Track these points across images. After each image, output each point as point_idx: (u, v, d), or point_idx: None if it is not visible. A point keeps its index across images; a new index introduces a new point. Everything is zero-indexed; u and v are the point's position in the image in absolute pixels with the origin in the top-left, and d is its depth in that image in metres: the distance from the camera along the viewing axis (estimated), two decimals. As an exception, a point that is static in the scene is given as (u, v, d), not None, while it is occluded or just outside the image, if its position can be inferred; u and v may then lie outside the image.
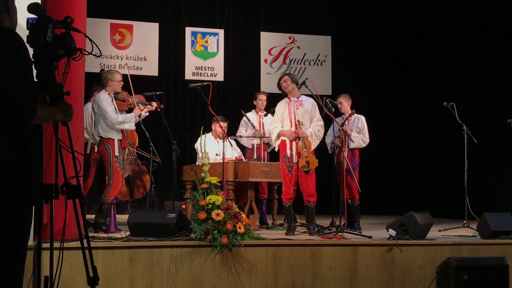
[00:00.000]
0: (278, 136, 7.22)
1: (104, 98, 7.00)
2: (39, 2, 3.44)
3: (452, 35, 11.25)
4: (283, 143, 7.18)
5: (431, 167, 11.44)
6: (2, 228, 2.94)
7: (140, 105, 7.36)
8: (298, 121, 7.10)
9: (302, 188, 7.08)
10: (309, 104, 7.19)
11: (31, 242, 4.03)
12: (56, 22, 3.29)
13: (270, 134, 8.65)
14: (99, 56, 3.63)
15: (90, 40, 3.46)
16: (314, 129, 7.10)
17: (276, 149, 7.37)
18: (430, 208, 7.36)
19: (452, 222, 8.66)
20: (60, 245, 3.28)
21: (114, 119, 6.88)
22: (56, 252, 3.33)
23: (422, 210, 6.95)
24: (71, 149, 3.38)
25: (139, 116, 7.26)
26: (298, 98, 7.25)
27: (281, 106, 7.33)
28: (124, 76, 7.31)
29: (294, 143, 7.08)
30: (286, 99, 7.34)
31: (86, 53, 3.43)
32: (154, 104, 7.49)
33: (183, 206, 8.16)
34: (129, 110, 7.42)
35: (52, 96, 3.18)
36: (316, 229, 7.06)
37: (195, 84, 7.51)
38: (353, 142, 7.80)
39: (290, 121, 7.20)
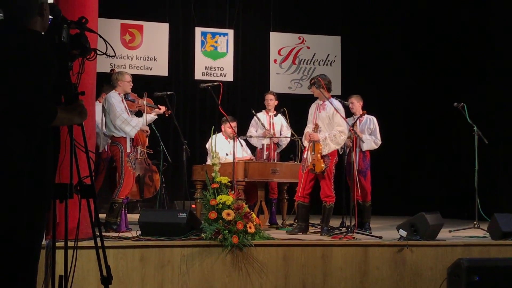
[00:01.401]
0: (305, 136, 7.34)
1: (115, 96, 7.04)
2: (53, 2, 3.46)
3: (463, 35, 11.23)
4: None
5: (441, 168, 11.41)
6: (18, 228, 2.96)
7: (148, 107, 7.39)
8: (316, 125, 7.13)
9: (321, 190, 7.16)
10: (331, 108, 7.15)
11: (43, 241, 4.05)
12: (70, 22, 3.31)
13: (280, 134, 8.72)
14: (112, 57, 3.65)
15: (105, 40, 3.48)
16: (330, 134, 7.08)
17: (306, 145, 7.40)
18: (440, 208, 7.33)
19: (462, 223, 8.63)
20: (74, 244, 3.30)
21: (119, 112, 6.90)
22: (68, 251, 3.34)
23: (432, 210, 6.93)
24: (85, 149, 3.40)
25: (146, 121, 7.31)
26: (323, 101, 7.25)
27: (312, 109, 7.42)
28: (137, 77, 7.32)
29: (309, 145, 7.15)
30: (317, 101, 7.40)
31: (100, 53, 3.45)
32: (162, 108, 7.51)
33: (193, 206, 8.17)
34: (138, 112, 7.45)
35: (67, 96, 3.20)
36: (325, 229, 7.07)
37: (205, 84, 7.52)
38: (363, 142, 7.79)
39: (312, 123, 7.28)
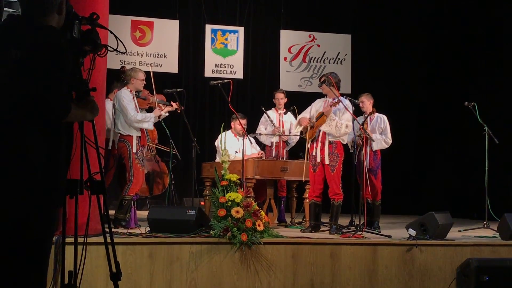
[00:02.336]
0: (299, 121, 7.38)
1: (126, 95, 7.05)
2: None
3: (474, 33, 11.17)
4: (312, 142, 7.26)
5: (451, 167, 11.37)
6: (29, 224, 2.97)
7: (160, 105, 7.40)
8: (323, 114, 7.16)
9: (329, 187, 7.15)
10: (341, 106, 7.17)
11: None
12: (82, 18, 3.31)
13: (289, 132, 8.71)
14: (123, 53, 3.65)
15: (116, 37, 3.48)
16: (338, 121, 7.10)
17: (296, 130, 7.48)
18: (449, 208, 7.31)
19: (471, 222, 8.60)
20: (83, 240, 3.30)
21: (133, 116, 6.92)
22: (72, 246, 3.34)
23: (442, 210, 6.90)
24: (95, 145, 3.41)
25: (159, 117, 7.30)
26: (333, 99, 7.24)
27: (318, 104, 7.42)
28: (147, 74, 7.34)
29: (319, 143, 7.13)
30: (324, 98, 7.40)
31: (111, 49, 3.45)
32: (174, 105, 7.51)
33: (202, 203, 8.18)
34: (149, 109, 7.46)
35: (79, 92, 3.21)
36: (334, 227, 7.06)
37: (216, 82, 7.52)
38: (373, 141, 7.78)
39: (314, 115, 7.31)
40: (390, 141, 7.99)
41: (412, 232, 6.30)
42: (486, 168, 8.06)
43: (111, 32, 3.54)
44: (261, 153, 8.48)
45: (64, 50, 3.03)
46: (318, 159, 7.11)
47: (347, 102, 7.24)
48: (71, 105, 3.04)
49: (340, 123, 7.10)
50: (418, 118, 12.12)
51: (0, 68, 2.99)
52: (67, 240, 3.46)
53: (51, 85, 2.95)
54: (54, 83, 2.95)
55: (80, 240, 3.31)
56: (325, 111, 7.11)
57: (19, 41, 3.00)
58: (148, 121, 7.06)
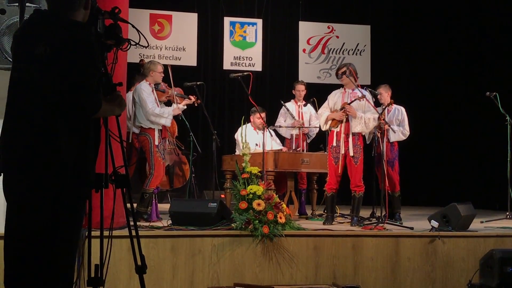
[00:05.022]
0: (327, 119, 7.24)
1: (145, 88, 7.09)
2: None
3: (495, 22, 11.04)
4: (331, 134, 7.20)
5: (473, 158, 11.27)
6: (61, 217, 3.00)
7: (178, 98, 7.42)
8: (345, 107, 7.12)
9: (350, 179, 7.11)
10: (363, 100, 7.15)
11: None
12: (104, 12, 3.32)
13: (309, 124, 8.68)
14: (144, 47, 3.66)
15: (138, 31, 3.48)
16: (365, 116, 7.07)
17: (324, 128, 7.35)
18: (471, 199, 7.25)
19: (493, 213, 8.54)
20: (108, 234, 3.32)
21: (151, 109, 6.95)
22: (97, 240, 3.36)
23: (463, 201, 6.86)
24: (119, 139, 3.42)
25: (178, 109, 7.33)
26: (353, 90, 7.22)
27: (335, 96, 7.36)
28: (165, 67, 7.37)
29: (342, 134, 7.09)
30: (341, 89, 7.36)
31: (134, 43, 3.45)
32: (192, 98, 7.52)
33: (222, 196, 8.19)
34: (168, 102, 7.48)
35: (105, 87, 3.22)
36: (356, 219, 7.04)
37: (235, 74, 7.51)
38: (394, 132, 7.74)
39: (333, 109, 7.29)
40: (407, 133, 7.95)
41: (435, 223, 6.28)
42: (509, 159, 8.02)
43: (133, 26, 3.54)
44: (285, 149, 8.45)
45: (93, 45, 3.05)
46: (342, 151, 7.07)
47: (367, 93, 7.21)
48: (101, 101, 3.06)
49: (368, 118, 7.06)
50: (439, 108, 11.99)
51: (29, 64, 3.00)
52: (93, 233, 3.48)
53: (82, 82, 2.97)
54: (85, 79, 2.97)
55: (105, 233, 3.33)
56: (352, 115, 7.07)
57: (48, 36, 3.01)
58: (166, 117, 7.06)
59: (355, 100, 7.09)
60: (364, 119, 7.06)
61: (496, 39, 11.01)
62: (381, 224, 6.63)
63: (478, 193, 10.59)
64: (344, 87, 7.32)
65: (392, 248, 6.07)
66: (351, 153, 7.03)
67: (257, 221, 5.82)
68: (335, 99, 7.32)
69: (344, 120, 7.10)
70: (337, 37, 12.26)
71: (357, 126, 7.05)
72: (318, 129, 8.53)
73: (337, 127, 7.15)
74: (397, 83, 8.79)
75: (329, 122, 7.19)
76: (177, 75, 7.91)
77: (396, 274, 6.04)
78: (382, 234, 6.21)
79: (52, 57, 2.96)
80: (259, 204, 5.92)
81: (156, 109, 7.01)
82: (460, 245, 6.19)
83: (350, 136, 7.08)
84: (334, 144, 7.16)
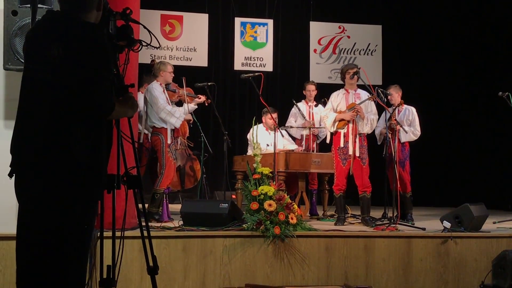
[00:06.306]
0: (335, 120, 7.23)
1: (157, 87, 7.11)
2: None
3: (508, 22, 10.98)
4: (338, 135, 7.18)
5: (484, 158, 11.22)
6: (74, 218, 3.01)
7: (188, 98, 7.44)
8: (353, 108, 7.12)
9: (357, 181, 7.09)
10: (366, 97, 7.20)
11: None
12: (116, 13, 3.32)
13: (320, 125, 8.66)
14: (155, 48, 3.66)
15: (150, 32, 3.48)
16: (368, 117, 7.15)
17: (332, 129, 7.32)
18: (483, 200, 7.22)
19: (506, 214, 8.50)
20: (120, 234, 3.33)
21: (162, 105, 6.98)
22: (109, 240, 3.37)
23: (475, 202, 6.82)
24: (131, 140, 3.43)
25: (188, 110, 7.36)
26: (355, 91, 7.24)
27: (338, 97, 7.36)
28: (180, 81, 7.42)
29: (351, 135, 7.08)
30: (343, 91, 7.38)
31: (145, 44, 3.45)
32: (202, 97, 7.54)
33: (233, 196, 8.18)
34: (179, 102, 7.49)
35: (117, 88, 3.22)
36: (368, 219, 7.03)
37: (247, 75, 7.50)
38: (406, 132, 7.72)
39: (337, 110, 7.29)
40: (418, 133, 7.93)
41: (447, 224, 6.25)
42: (521, 159, 7.96)
43: (145, 27, 3.54)
44: (300, 149, 8.44)
45: (106, 47, 3.05)
46: (350, 152, 7.06)
47: (367, 93, 7.25)
48: (114, 103, 3.06)
49: (372, 119, 7.11)
50: (451, 108, 11.94)
51: (42, 65, 3.01)
52: (105, 234, 3.48)
53: (96, 83, 2.97)
54: (98, 81, 2.98)
55: (117, 234, 3.33)
56: (361, 116, 7.08)
57: (61, 38, 3.01)
58: (177, 117, 7.07)
59: (365, 100, 7.09)
60: (370, 121, 7.12)
61: (508, 39, 10.95)
62: (393, 225, 6.60)
63: (490, 194, 10.54)
64: (346, 87, 7.31)
65: (404, 248, 6.05)
66: (358, 154, 7.03)
67: (268, 222, 5.82)
68: (338, 100, 7.33)
69: (360, 131, 7.11)
70: (348, 37, 12.23)
71: (365, 127, 7.07)
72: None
73: (344, 128, 7.14)
74: (408, 83, 8.75)
75: (337, 123, 7.18)
76: (188, 76, 7.92)
77: (408, 275, 6.02)
78: (394, 234, 6.19)
79: (65, 58, 2.96)
80: (270, 205, 5.92)
81: (167, 106, 7.03)
82: (473, 246, 6.17)
83: (357, 136, 7.08)
84: (342, 145, 7.15)
